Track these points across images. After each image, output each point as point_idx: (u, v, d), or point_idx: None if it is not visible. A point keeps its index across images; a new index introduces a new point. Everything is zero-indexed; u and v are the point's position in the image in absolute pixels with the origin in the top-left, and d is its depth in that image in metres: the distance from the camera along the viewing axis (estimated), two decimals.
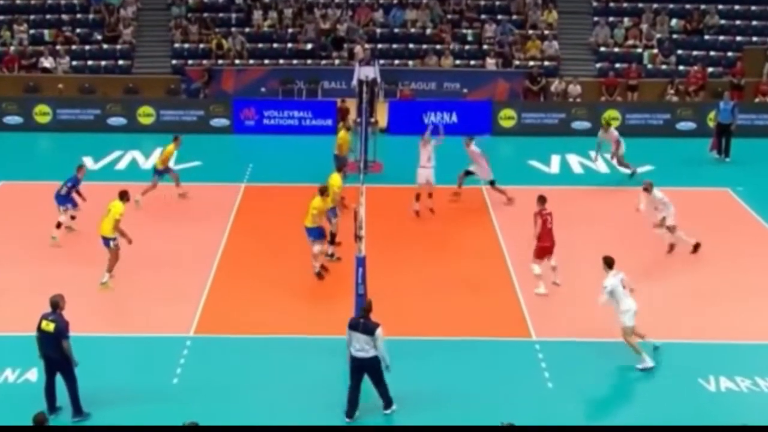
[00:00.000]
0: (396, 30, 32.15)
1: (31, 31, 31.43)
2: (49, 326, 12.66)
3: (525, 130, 27.74)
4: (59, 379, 12.94)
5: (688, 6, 32.46)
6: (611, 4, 32.76)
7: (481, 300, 16.89)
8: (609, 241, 19.29)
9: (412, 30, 32.09)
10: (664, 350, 15.18)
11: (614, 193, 22.80)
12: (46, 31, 31.50)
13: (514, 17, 32.45)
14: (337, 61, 31.20)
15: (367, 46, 30.89)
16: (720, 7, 32.28)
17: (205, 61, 30.74)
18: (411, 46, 31.63)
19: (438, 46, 31.21)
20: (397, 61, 31.33)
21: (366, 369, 12.86)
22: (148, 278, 17.59)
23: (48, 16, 32.07)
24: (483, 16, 32.42)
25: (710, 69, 30.62)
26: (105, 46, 31.33)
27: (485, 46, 31.36)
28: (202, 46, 31.34)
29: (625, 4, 32.78)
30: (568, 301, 16.94)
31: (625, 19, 32.21)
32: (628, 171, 23.77)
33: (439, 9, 32.47)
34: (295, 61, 31.28)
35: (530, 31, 31.90)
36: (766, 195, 22.50)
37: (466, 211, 20.76)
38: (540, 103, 29.53)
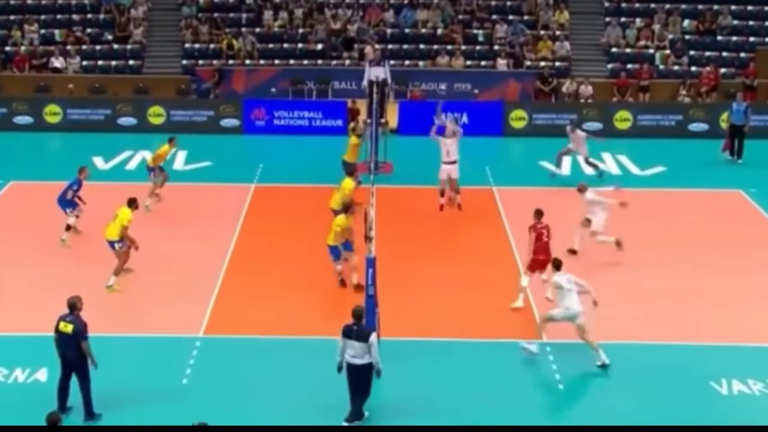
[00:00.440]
0: (407, 30, 32.08)
1: (42, 31, 31.50)
2: (67, 327, 12.69)
3: (536, 131, 27.63)
4: (73, 380, 12.95)
5: (700, 6, 32.32)
6: (623, 5, 32.64)
7: (492, 301, 16.79)
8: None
9: (423, 30, 32.02)
10: (676, 353, 15.07)
11: (625, 194, 22.55)
12: (56, 31, 31.58)
13: (526, 17, 32.35)
14: (347, 62, 31.15)
15: (377, 46, 30.84)
16: (733, 7, 32.13)
17: (215, 62, 30.74)
18: (422, 46, 31.56)
19: (449, 47, 31.13)
20: (407, 62, 31.27)
21: (359, 375, 12.76)
22: (158, 279, 17.57)
23: (59, 16, 32.14)
24: (494, 17, 32.35)
25: (723, 70, 30.48)
26: (115, 46, 31.38)
27: (496, 47, 31.27)
28: (212, 46, 31.34)
29: (637, 5, 32.65)
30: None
31: (637, 20, 32.08)
32: (552, 169, 23.51)
33: (450, 9, 32.40)
34: (305, 62, 31.26)
35: (542, 32, 31.80)
36: None
37: (476, 212, 20.66)
38: (551, 103, 29.42)
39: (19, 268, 17.95)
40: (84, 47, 31.15)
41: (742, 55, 31.01)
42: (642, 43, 31.49)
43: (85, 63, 30.74)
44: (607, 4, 32.67)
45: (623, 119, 27.87)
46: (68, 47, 30.83)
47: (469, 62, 31.01)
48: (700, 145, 26.73)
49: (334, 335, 14.90)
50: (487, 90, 29.93)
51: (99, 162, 24.56)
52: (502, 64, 30.70)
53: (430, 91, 29.98)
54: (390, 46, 31.44)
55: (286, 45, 31.67)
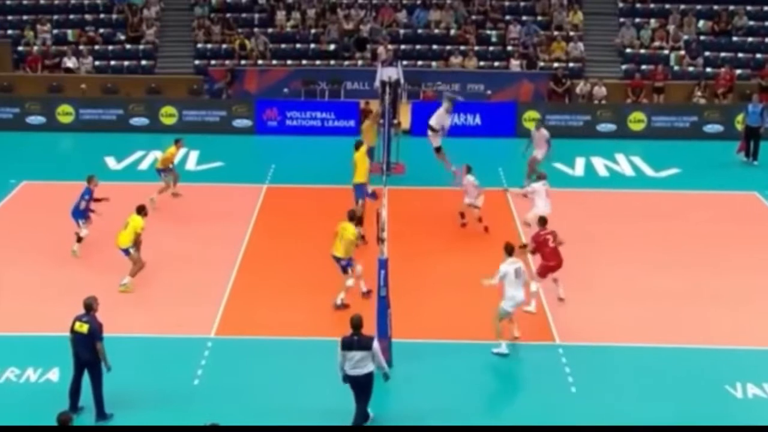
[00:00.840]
0: (419, 31, 31.97)
1: (55, 31, 31.52)
2: (83, 328, 12.73)
3: (549, 132, 27.35)
4: (85, 380, 12.97)
5: (716, 7, 32.07)
6: (638, 5, 32.44)
7: None
8: (634, 244, 19.22)
9: (436, 31, 31.91)
10: (690, 356, 14.97)
11: (639, 196, 22.55)
12: (69, 31, 31.59)
13: (539, 18, 32.19)
14: (360, 62, 31.07)
15: (390, 46, 30.75)
16: (749, 8, 31.88)
17: (227, 62, 30.70)
18: (434, 47, 31.43)
19: (462, 47, 31.00)
20: (420, 62, 31.15)
21: (359, 386, 12.65)
22: (170, 279, 17.56)
23: (71, 16, 32.16)
24: (507, 17, 32.20)
25: (738, 71, 30.22)
26: (128, 46, 31.37)
27: (509, 47, 31.12)
28: (224, 46, 31.31)
29: (651, 5, 32.45)
30: (591, 305, 16.77)
31: (652, 21, 31.86)
32: (525, 181, 21.58)
33: (464, 10, 32.27)
34: (318, 62, 31.19)
35: (555, 32, 31.65)
36: None
37: (489, 213, 20.51)
38: (565, 104, 29.26)
39: (32, 268, 17.96)
40: (96, 47, 31.14)
41: (758, 56, 30.76)
42: (657, 43, 31.28)
43: (97, 63, 30.75)
44: (621, 5, 32.48)
45: (637, 120, 27.70)
46: (81, 47, 30.85)
47: (482, 63, 30.88)
48: (715, 146, 26.58)
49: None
50: (500, 91, 29.78)
51: (111, 162, 24.57)
52: (515, 64, 30.56)
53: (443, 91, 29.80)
54: (403, 47, 31.33)
55: (298, 45, 31.60)
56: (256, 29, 31.69)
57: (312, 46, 31.56)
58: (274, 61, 31.05)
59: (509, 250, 15.21)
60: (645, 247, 19.14)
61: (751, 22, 31.66)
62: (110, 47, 31.30)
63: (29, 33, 31.22)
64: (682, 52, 30.91)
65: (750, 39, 31.28)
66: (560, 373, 14.50)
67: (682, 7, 32.08)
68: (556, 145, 26.34)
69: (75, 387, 13.04)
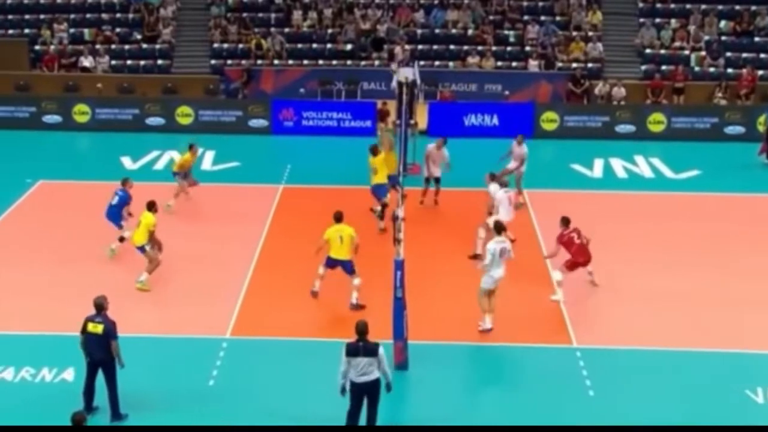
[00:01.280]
0: (437, 31, 31.81)
1: (71, 31, 31.55)
2: (97, 328, 12.66)
3: (567, 133, 27.27)
4: (99, 381, 12.93)
5: (737, 7, 31.77)
6: (658, 5, 32.17)
7: (521, 306, 16.56)
8: (653, 247, 19.03)
9: (453, 31, 31.73)
10: (711, 360, 14.79)
11: (659, 198, 22.32)
12: (86, 31, 31.61)
13: (558, 18, 31.97)
14: (376, 62, 30.93)
15: (407, 46, 30.59)
16: None
17: (244, 62, 30.62)
18: (452, 47, 31.26)
19: (479, 47, 30.81)
20: (437, 63, 30.97)
21: (366, 393, 12.39)
22: (185, 279, 17.48)
23: (88, 16, 32.19)
24: (526, 17, 32.00)
25: (760, 72, 29.90)
26: (144, 45, 31.36)
27: (528, 48, 30.92)
28: (241, 46, 31.24)
29: (672, 5, 32.17)
30: (609, 307, 16.64)
31: (672, 21, 31.60)
32: (518, 199, 20.75)
33: (481, 9, 32.08)
34: (334, 62, 31.07)
35: (574, 33, 31.42)
36: None
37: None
38: (583, 105, 29.02)
39: (48, 267, 17.92)
40: (113, 47, 31.16)
41: None
42: (677, 44, 30.99)
43: (113, 62, 30.74)
44: (641, 5, 32.22)
45: (657, 122, 27.44)
46: (97, 46, 30.86)
47: (499, 63, 30.70)
48: (737, 148, 26.31)
49: None
50: (518, 91, 29.58)
51: (127, 162, 24.53)
52: (533, 65, 30.35)
53: (460, 92, 29.59)
54: (420, 47, 31.19)
55: (315, 45, 31.50)
56: (272, 29, 31.61)
57: (328, 46, 31.44)
58: (291, 61, 30.96)
59: (499, 229, 15.67)
60: (664, 249, 18.94)
61: None
62: (126, 47, 31.29)
63: (46, 32, 31.25)
64: (703, 53, 30.61)
65: None
66: (578, 376, 14.35)
67: (704, 7, 31.80)
68: (574, 145, 26.28)
69: (88, 388, 13.00)
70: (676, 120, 27.49)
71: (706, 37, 30.97)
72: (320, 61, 31.09)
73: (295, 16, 32.05)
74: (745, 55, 30.55)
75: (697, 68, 30.38)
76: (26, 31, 31.59)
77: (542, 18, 31.89)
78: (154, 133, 27.25)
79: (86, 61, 30.35)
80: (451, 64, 31.01)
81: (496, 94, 29.56)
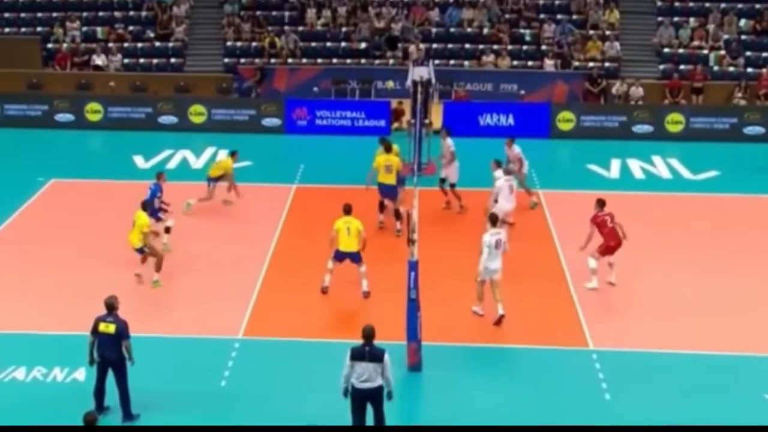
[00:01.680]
0: (452, 29, 31.57)
1: (84, 29, 31.45)
2: (109, 328, 12.63)
3: (584, 134, 26.99)
4: (110, 381, 12.89)
5: (758, 6, 31.38)
6: (676, 4, 31.84)
7: (537, 307, 16.43)
8: (670, 248, 18.82)
9: (469, 30, 31.49)
10: (728, 364, 14.62)
11: (676, 198, 22.08)
12: (98, 29, 31.53)
13: (575, 17, 31.70)
14: (391, 61, 30.72)
15: (421, 45, 30.37)
16: None
17: (257, 60, 30.47)
18: (467, 46, 31.01)
19: (495, 46, 30.56)
20: (452, 62, 30.74)
21: (369, 399, 12.15)
22: (198, 279, 17.39)
23: (100, 14, 32.10)
24: (542, 16, 31.72)
25: None
26: (157, 43, 31.24)
27: (544, 47, 30.65)
28: (254, 44, 31.08)
29: (691, 4, 31.83)
30: (626, 309, 16.49)
31: (691, 20, 31.25)
32: (531, 199, 20.87)
33: (497, 8, 31.83)
34: (348, 61, 30.88)
35: (591, 32, 31.10)
36: None
37: (521, 215, 20.08)
38: (600, 105, 28.73)
39: (60, 266, 17.87)
40: (126, 45, 31.05)
41: None
42: (696, 43, 30.64)
43: (126, 61, 30.64)
44: (659, 4, 31.89)
45: (675, 122, 27.13)
46: (110, 45, 30.77)
47: (515, 62, 30.44)
48: (756, 149, 26.08)
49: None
50: (534, 91, 29.31)
51: (139, 161, 24.44)
52: (549, 64, 30.08)
53: (475, 91, 29.33)
54: (435, 46, 30.96)
55: (328, 44, 31.32)
56: (286, 27, 31.46)
57: (342, 44, 31.25)
58: (304, 60, 30.79)
59: (494, 221, 15.86)
60: (682, 250, 18.72)
61: None
62: (139, 45, 31.18)
63: (58, 30, 31.18)
64: (722, 52, 30.26)
65: None
66: (594, 379, 14.20)
67: (723, 5, 31.45)
68: (591, 145, 26.03)
69: (99, 388, 12.96)
70: (695, 120, 27.18)
71: (726, 36, 30.62)
72: (334, 60, 30.91)
73: (309, 14, 31.87)
74: (765, 54, 30.17)
75: (716, 68, 30.03)
76: (39, 29, 31.51)
77: (558, 17, 31.61)
78: (167, 132, 27.15)
79: (99, 60, 30.25)
80: (466, 63, 30.77)
81: (512, 94, 29.32)
